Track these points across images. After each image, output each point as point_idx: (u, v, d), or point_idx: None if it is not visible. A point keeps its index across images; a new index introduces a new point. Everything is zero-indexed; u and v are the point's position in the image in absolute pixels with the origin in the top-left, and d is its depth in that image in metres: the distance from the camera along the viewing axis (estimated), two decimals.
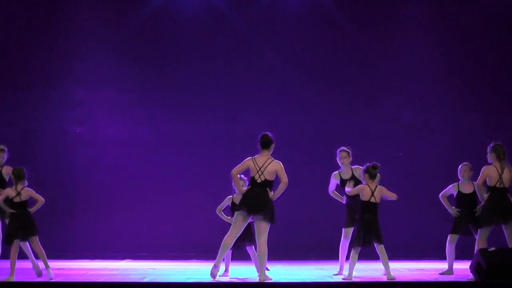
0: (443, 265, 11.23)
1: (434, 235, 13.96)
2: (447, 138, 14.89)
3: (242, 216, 9.88)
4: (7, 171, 10.97)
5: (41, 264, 10.41)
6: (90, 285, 9.57)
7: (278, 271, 11.40)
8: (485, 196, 10.31)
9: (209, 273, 9.95)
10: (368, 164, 10.27)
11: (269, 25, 15.22)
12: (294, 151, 14.81)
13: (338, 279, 10.34)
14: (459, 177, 10.93)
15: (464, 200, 10.82)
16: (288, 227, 14.25)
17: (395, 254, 13.02)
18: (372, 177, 10.17)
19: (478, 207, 10.67)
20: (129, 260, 14.19)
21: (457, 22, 15.11)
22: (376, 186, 10.18)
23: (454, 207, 10.91)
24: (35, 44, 14.92)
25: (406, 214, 14.60)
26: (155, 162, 14.88)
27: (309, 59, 15.17)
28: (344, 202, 11.01)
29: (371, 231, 10.01)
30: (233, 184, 10.29)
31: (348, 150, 11.05)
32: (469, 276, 9.96)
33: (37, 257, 10.36)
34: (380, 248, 10.08)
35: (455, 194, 10.94)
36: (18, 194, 10.10)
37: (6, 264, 10.27)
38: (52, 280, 9.96)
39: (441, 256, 11.32)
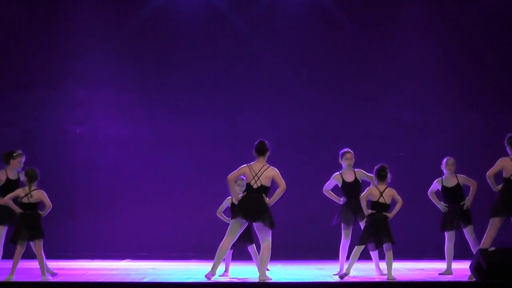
0: (443, 265, 11.23)
1: (434, 235, 13.90)
2: (447, 138, 14.89)
3: (239, 222, 9.87)
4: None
5: (35, 264, 10.40)
6: (90, 285, 9.56)
7: (278, 271, 11.40)
8: (499, 187, 10.23)
9: (205, 274, 9.93)
10: (377, 166, 10.33)
11: (269, 25, 15.22)
12: (294, 151, 14.82)
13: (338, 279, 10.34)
14: (444, 170, 10.95)
15: (449, 194, 10.89)
16: (288, 227, 14.25)
17: (395, 254, 13.01)
18: (382, 178, 10.20)
19: (466, 198, 10.75)
20: (129, 260, 14.19)
21: (457, 22, 15.11)
22: (386, 187, 10.22)
23: (442, 202, 10.97)
24: (35, 44, 14.92)
25: (406, 214, 14.49)
26: (155, 162, 14.89)
27: (309, 59, 15.17)
28: (342, 202, 11.03)
29: (381, 231, 10.04)
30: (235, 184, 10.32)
31: (351, 151, 11.10)
32: (469, 275, 9.95)
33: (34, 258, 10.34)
34: (388, 247, 10.09)
35: (440, 188, 10.98)
36: (28, 194, 10.08)
37: (9, 264, 10.26)
38: (52, 280, 9.97)
39: (441, 256, 11.31)
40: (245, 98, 15.07)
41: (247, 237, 10.40)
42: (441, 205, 11.00)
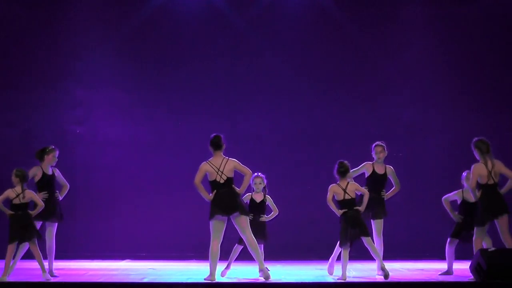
0: (443, 265, 11.23)
1: (434, 235, 13.97)
2: (447, 138, 14.89)
3: (218, 221, 9.87)
4: (57, 173, 10.95)
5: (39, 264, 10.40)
6: (90, 285, 9.57)
7: (278, 271, 11.40)
8: (478, 194, 10.18)
9: (204, 278, 9.92)
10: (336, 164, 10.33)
11: (269, 25, 15.23)
12: (294, 151, 14.83)
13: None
14: (464, 184, 10.80)
15: (468, 208, 10.74)
16: (288, 227, 14.27)
17: (395, 254, 13.04)
18: (342, 174, 10.20)
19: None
20: (129, 260, 14.19)
21: (457, 22, 15.11)
22: (348, 183, 10.19)
23: (457, 213, 10.85)
24: (35, 44, 14.92)
25: (406, 214, 14.60)
26: (155, 162, 14.89)
27: (309, 59, 15.17)
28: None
29: (356, 226, 10.02)
30: (252, 182, 10.45)
31: (383, 144, 11.03)
32: (469, 276, 9.95)
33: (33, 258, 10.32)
34: (368, 241, 10.07)
35: (458, 201, 10.86)
36: (19, 195, 10.05)
37: (17, 264, 10.28)
38: (51, 280, 9.96)
39: (441, 256, 11.32)
40: (245, 98, 15.07)
41: (257, 233, 10.31)
42: (456, 216, 10.80)
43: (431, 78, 15.10)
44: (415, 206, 14.69)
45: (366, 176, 10.96)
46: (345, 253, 10.09)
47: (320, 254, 13.92)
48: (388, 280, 9.82)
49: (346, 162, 10.35)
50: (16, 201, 10.02)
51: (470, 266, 9.72)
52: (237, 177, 10.02)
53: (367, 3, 15.17)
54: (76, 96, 15.03)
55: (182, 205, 14.70)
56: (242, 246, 10.50)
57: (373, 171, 10.90)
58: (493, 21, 15.08)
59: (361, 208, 10.17)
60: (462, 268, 11.07)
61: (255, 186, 10.62)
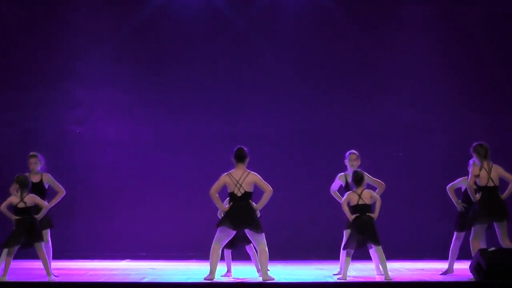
0: (443, 265, 11.23)
1: (434, 235, 13.98)
2: (447, 138, 14.89)
3: (226, 230, 9.81)
4: (47, 178, 10.85)
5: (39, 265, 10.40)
6: (90, 285, 9.57)
7: (278, 271, 11.39)
8: (478, 196, 10.17)
9: (204, 277, 9.91)
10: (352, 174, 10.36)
11: (269, 25, 15.22)
12: (294, 151, 14.83)
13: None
14: (470, 170, 10.72)
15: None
16: (288, 227, 14.29)
17: (395, 254, 13.03)
18: (358, 183, 10.19)
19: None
20: (129, 260, 14.19)
21: (457, 22, 15.11)
22: (363, 190, 10.19)
23: (460, 201, 10.79)
24: (35, 44, 14.92)
25: (406, 214, 14.60)
26: (155, 162, 14.89)
27: (309, 59, 15.17)
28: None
29: (366, 232, 10.00)
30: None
31: (357, 153, 10.98)
32: (469, 276, 9.95)
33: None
34: (378, 250, 10.05)
35: (463, 188, 10.76)
36: (22, 200, 10.06)
37: (17, 264, 10.27)
38: (51, 281, 9.97)
39: (441, 256, 11.32)
40: (245, 98, 15.07)
41: (244, 238, 10.33)
42: (460, 204, 10.76)
43: (431, 78, 15.10)
44: (415, 206, 14.69)
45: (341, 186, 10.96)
46: (348, 258, 10.07)
47: (320, 254, 13.96)
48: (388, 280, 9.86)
49: (359, 170, 10.38)
50: (20, 205, 10.04)
51: (470, 266, 9.72)
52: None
53: (367, 3, 15.17)
54: (76, 96, 15.03)
55: (182, 205, 14.70)
56: (231, 250, 10.51)
57: (347, 182, 10.85)
58: (493, 21, 15.07)
59: (374, 215, 10.15)
60: (462, 268, 11.07)
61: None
